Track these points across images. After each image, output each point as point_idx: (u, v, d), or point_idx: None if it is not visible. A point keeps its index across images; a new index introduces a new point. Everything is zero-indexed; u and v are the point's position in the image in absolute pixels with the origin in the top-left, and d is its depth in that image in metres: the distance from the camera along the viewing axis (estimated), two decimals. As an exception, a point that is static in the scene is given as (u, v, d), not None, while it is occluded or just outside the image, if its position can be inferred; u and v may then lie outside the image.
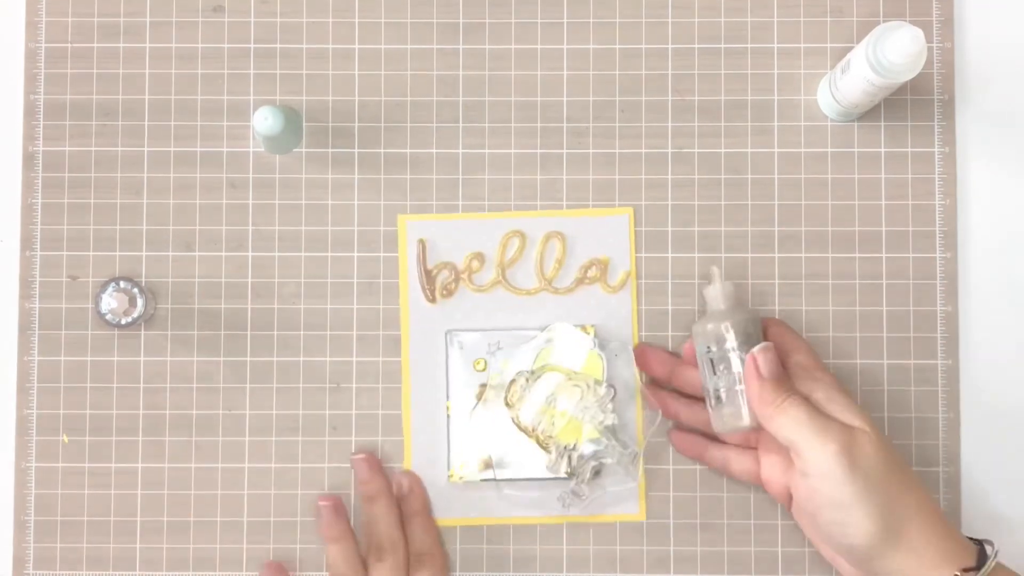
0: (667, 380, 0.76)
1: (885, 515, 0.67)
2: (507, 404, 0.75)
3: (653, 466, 0.77)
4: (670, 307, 0.78)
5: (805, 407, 0.69)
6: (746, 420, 0.71)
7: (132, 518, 0.77)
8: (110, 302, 0.74)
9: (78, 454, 0.77)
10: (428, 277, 0.77)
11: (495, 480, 0.76)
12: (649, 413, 0.76)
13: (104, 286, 0.75)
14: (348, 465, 0.77)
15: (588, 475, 0.75)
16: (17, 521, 0.77)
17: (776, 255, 0.78)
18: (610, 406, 0.74)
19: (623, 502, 0.77)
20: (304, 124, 0.78)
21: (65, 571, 0.77)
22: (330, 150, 0.78)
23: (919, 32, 0.68)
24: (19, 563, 0.77)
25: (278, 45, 0.79)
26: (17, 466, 0.77)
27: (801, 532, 0.76)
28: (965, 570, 0.67)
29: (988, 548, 0.68)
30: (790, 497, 0.72)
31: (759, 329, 0.73)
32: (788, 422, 0.68)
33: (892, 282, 0.78)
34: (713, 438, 0.75)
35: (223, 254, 0.78)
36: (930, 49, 0.78)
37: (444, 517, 0.77)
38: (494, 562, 0.77)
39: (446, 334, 0.77)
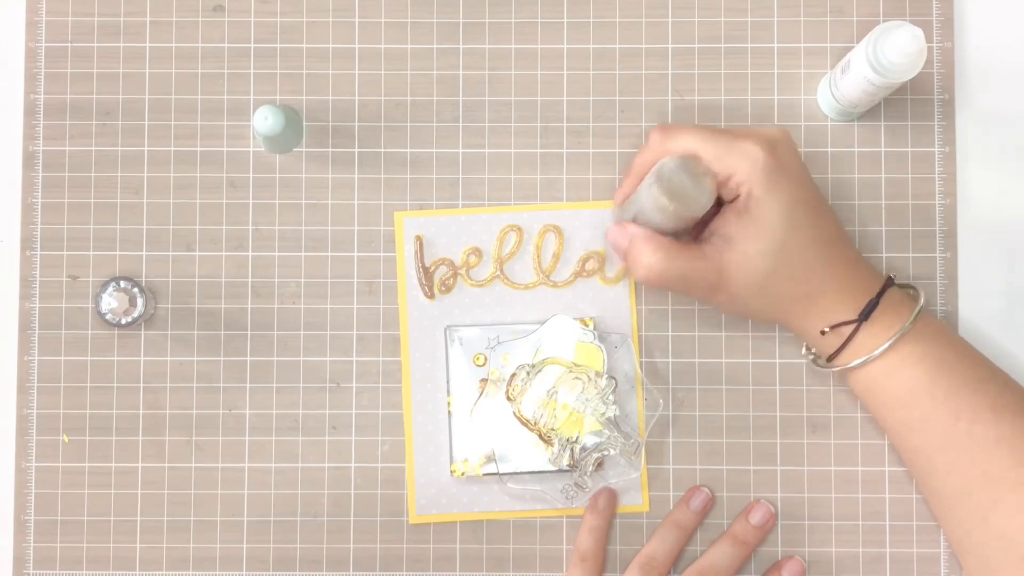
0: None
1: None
2: (508, 398, 0.75)
3: (654, 466, 0.77)
4: (670, 305, 0.78)
5: (694, 126, 0.71)
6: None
7: (132, 518, 0.77)
8: (110, 302, 0.74)
9: (78, 454, 0.77)
10: (426, 273, 0.77)
11: (498, 474, 0.76)
12: (650, 404, 0.77)
13: (104, 286, 0.75)
14: (348, 465, 0.77)
15: (591, 467, 0.75)
16: (17, 521, 0.77)
17: (776, 255, 0.78)
18: (611, 398, 0.74)
19: (626, 493, 0.77)
20: (304, 124, 0.78)
21: (65, 571, 0.77)
22: (330, 150, 0.78)
23: (919, 32, 0.68)
24: (19, 563, 0.77)
25: (278, 45, 0.79)
26: (17, 466, 0.77)
27: (803, 535, 0.76)
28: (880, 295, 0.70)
29: (912, 292, 0.72)
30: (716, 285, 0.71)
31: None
32: (685, 131, 0.70)
33: (892, 282, 0.78)
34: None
35: (223, 254, 0.78)
36: (930, 49, 0.78)
37: (447, 513, 0.77)
38: (494, 562, 0.77)
39: (445, 330, 0.77)
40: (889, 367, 0.70)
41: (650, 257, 0.70)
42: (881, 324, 0.70)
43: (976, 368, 0.70)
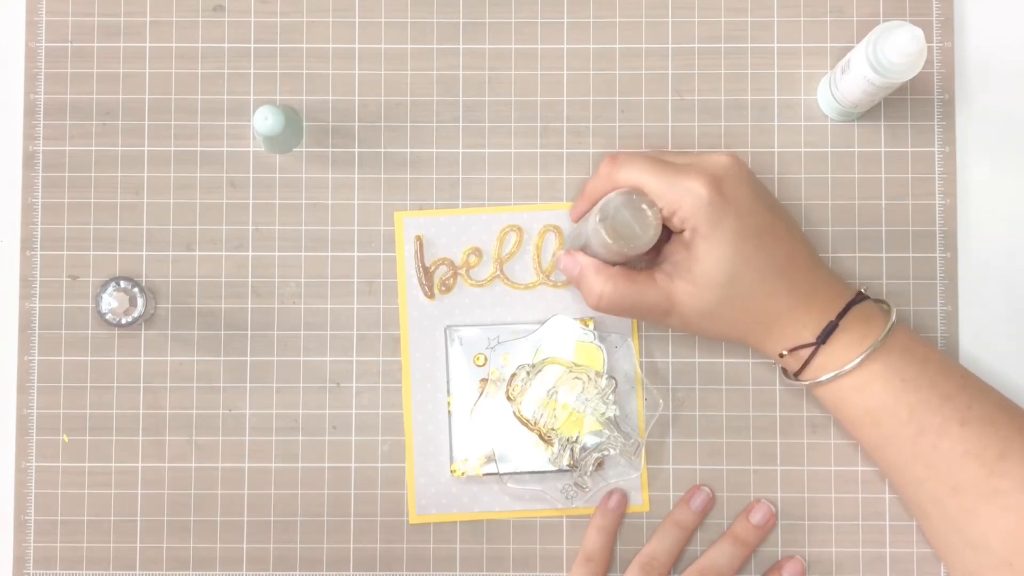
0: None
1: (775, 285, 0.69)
2: (508, 398, 0.75)
3: (654, 466, 0.77)
4: (670, 307, 0.78)
5: (643, 156, 0.70)
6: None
7: (132, 518, 0.77)
8: (110, 302, 0.74)
9: (78, 454, 0.77)
10: (426, 273, 0.77)
11: (498, 474, 0.76)
12: (650, 404, 0.77)
13: (104, 286, 0.75)
14: (348, 465, 0.77)
15: (591, 467, 0.75)
16: (17, 521, 0.77)
17: (776, 255, 0.78)
18: (611, 398, 0.74)
19: (626, 493, 0.77)
20: (304, 124, 0.78)
21: (65, 571, 0.77)
22: (330, 150, 0.78)
23: (919, 32, 0.68)
24: (19, 563, 0.77)
25: (278, 45, 0.79)
26: (17, 466, 0.77)
27: (803, 535, 0.76)
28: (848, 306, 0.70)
29: (885, 306, 0.72)
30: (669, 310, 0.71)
31: None
32: (632, 163, 0.70)
33: (892, 282, 0.78)
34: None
35: (223, 254, 0.78)
36: (930, 49, 0.78)
37: (447, 513, 0.77)
38: (494, 562, 0.77)
39: (445, 330, 0.77)
40: (855, 384, 0.70)
41: (601, 287, 0.71)
42: (847, 340, 0.69)
43: (944, 382, 0.69)
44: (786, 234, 0.71)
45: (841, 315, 0.69)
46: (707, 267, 0.69)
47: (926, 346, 0.71)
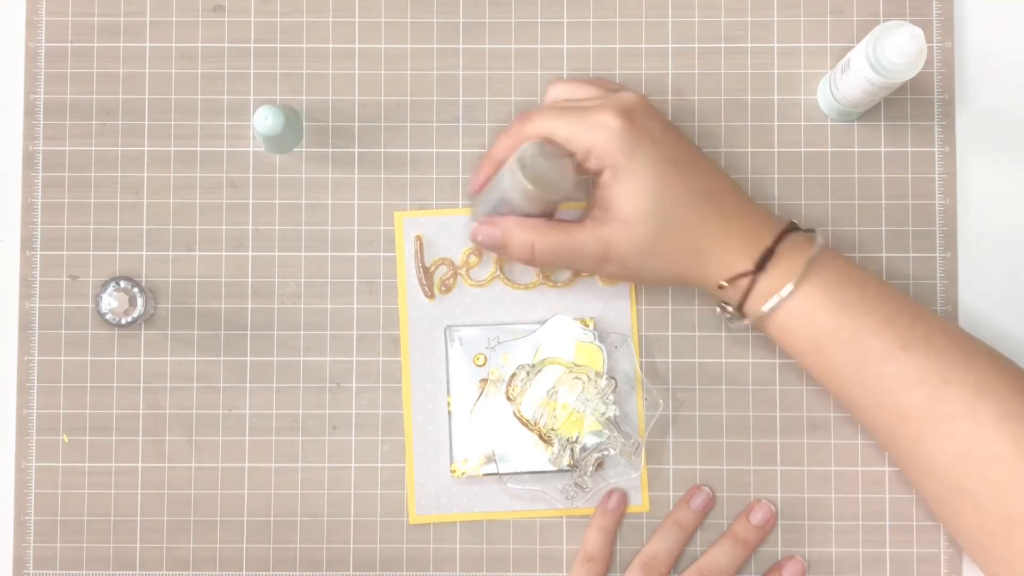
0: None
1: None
2: (508, 398, 0.75)
3: (654, 466, 0.77)
4: (670, 305, 0.78)
5: (550, 105, 0.70)
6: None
7: (132, 518, 0.77)
8: (110, 302, 0.74)
9: (78, 454, 0.77)
10: (426, 273, 0.77)
11: (498, 474, 0.76)
12: (650, 404, 0.77)
13: (104, 286, 0.75)
14: (348, 465, 0.77)
15: (591, 467, 0.75)
16: (17, 521, 0.77)
17: (776, 255, 0.78)
18: (611, 398, 0.74)
19: (627, 493, 0.77)
20: (304, 124, 0.78)
21: (65, 571, 0.77)
22: (330, 150, 0.78)
23: (919, 32, 0.68)
24: (19, 563, 0.77)
25: (278, 45, 0.79)
26: (17, 466, 0.77)
27: (803, 535, 0.76)
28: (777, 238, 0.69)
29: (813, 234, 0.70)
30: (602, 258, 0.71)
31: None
32: (541, 113, 0.69)
33: (892, 282, 0.77)
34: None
35: (223, 254, 0.78)
36: (930, 49, 0.78)
37: (447, 513, 0.77)
38: (494, 562, 0.77)
39: (445, 330, 0.77)
40: (798, 311, 0.69)
41: (531, 238, 0.70)
42: (785, 266, 0.69)
43: (884, 306, 0.68)
44: (707, 165, 0.71)
45: (777, 241, 0.69)
46: (633, 199, 0.68)
47: (864, 272, 0.70)
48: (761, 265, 0.69)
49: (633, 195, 0.68)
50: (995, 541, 0.66)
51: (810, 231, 0.71)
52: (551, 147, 0.69)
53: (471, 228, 0.73)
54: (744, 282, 0.69)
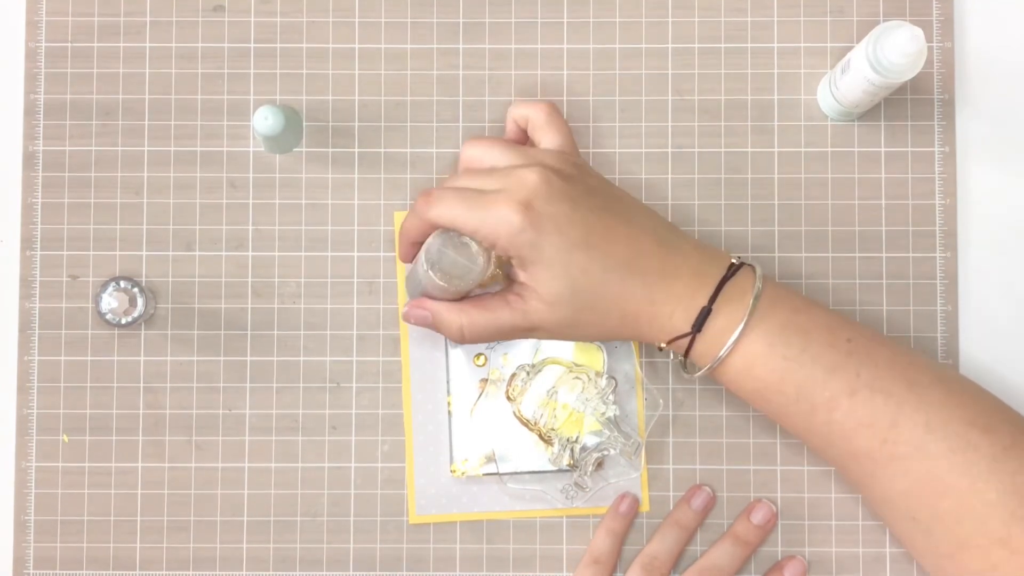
0: None
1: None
2: (508, 398, 0.75)
3: (654, 466, 0.77)
4: (670, 307, 0.78)
5: (452, 192, 0.68)
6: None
7: (132, 518, 0.77)
8: (110, 302, 0.74)
9: (78, 454, 0.77)
10: (427, 275, 0.77)
11: (498, 474, 0.76)
12: (650, 404, 0.77)
13: (104, 286, 0.75)
14: (348, 465, 0.77)
15: (591, 467, 0.75)
16: (17, 521, 0.77)
17: (776, 255, 0.78)
18: (611, 398, 0.74)
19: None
20: (304, 124, 0.78)
21: (65, 571, 0.77)
22: (330, 150, 0.78)
23: (919, 32, 0.68)
24: (19, 563, 0.77)
25: (278, 45, 0.79)
26: (17, 466, 0.77)
27: (803, 535, 0.76)
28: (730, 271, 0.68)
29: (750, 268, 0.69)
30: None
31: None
32: (442, 201, 0.68)
33: (892, 282, 0.78)
34: None
35: (223, 254, 0.78)
36: (930, 49, 0.78)
37: (447, 513, 0.77)
38: (494, 562, 0.77)
39: (446, 331, 0.77)
40: (739, 366, 0.68)
41: (459, 321, 0.70)
42: (723, 324, 0.67)
43: (829, 351, 0.67)
44: (624, 228, 0.68)
45: (713, 298, 0.68)
46: (546, 286, 0.67)
47: (808, 312, 0.68)
48: (699, 326, 0.68)
49: (546, 282, 0.67)
50: (947, 562, 0.67)
51: (751, 266, 0.70)
52: (457, 237, 0.69)
53: (404, 309, 0.73)
54: (685, 342, 0.69)
